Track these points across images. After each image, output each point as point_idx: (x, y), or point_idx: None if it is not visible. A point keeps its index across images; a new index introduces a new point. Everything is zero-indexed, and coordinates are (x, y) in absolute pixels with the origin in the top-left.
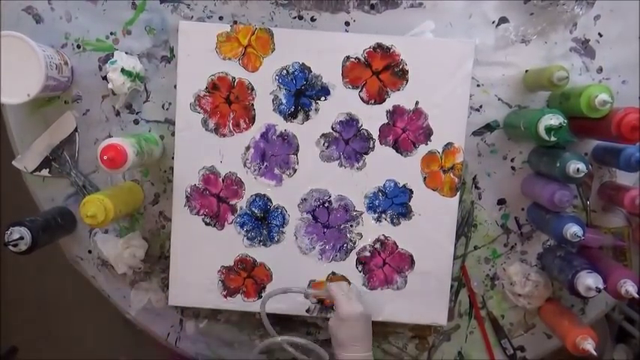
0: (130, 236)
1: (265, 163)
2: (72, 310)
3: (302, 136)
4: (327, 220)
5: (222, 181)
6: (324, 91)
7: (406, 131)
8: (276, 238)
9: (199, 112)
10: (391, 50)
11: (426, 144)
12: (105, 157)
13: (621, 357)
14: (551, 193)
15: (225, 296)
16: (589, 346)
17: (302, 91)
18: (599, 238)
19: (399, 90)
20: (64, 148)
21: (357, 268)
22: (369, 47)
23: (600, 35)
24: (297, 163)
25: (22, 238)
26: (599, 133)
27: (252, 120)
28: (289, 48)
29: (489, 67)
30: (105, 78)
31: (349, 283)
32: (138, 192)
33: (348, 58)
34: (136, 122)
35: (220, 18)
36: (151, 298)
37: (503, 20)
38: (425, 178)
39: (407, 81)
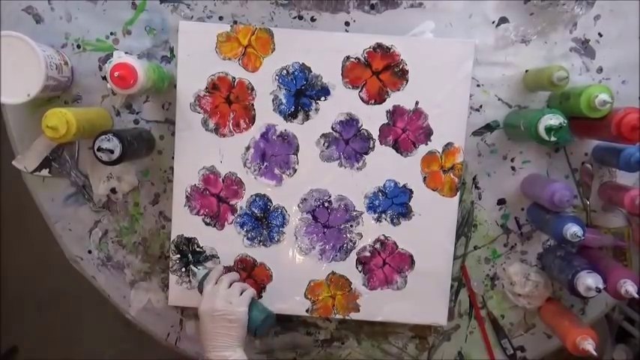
0: (125, 170)
1: (265, 163)
2: (72, 310)
3: (302, 136)
4: (327, 220)
5: (222, 181)
6: (324, 91)
7: (406, 131)
8: (276, 238)
9: (199, 112)
10: (391, 50)
11: (426, 144)
12: (116, 74)
13: (621, 357)
14: (551, 193)
15: None
16: (589, 346)
17: (302, 91)
18: (599, 238)
19: (399, 90)
20: (64, 148)
21: (357, 268)
22: (369, 47)
23: (600, 35)
24: (297, 163)
25: (112, 151)
26: (599, 133)
27: (252, 120)
28: (289, 48)
29: (489, 67)
30: (105, 78)
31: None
32: (106, 117)
33: (348, 58)
34: (136, 122)
35: (220, 18)
36: (150, 298)
37: (503, 20)
38: (425, 178)
39: (407, 81)
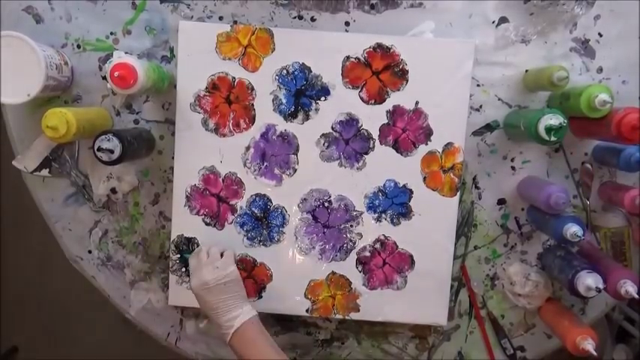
0: (125, 170)
1: (265, 163)
2: (72, 310)
3: (302, 136)
4: (327, 220)
5: (222, 181)
6: (324, 91)
7: (406, 131)
8: (276, 238)
9: (199, 112)
10: (391, 50)
11: (426, 144)
12: (116, 74)
13: (621, 357)
14: (547, 196)
15: None
16: (589, 346)
17: (302, 91)
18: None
19: (399, 90)
20: (64, 148)
21: (357, 268)
22: (369, 47)
23: (600, 35)
24: (297, 163)
25: (112, 151)
26: (599, 133)
27: (252, 120)
28: (289, 48)
29: (489, 67)
30: (105, 78)
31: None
32: (106, 117)
33: (348, 58)
34: (136, 122)
35: (220, 18)
36: (150, 298)
37: (503, 20)
38: (425, 178)
39: (407, 81)
